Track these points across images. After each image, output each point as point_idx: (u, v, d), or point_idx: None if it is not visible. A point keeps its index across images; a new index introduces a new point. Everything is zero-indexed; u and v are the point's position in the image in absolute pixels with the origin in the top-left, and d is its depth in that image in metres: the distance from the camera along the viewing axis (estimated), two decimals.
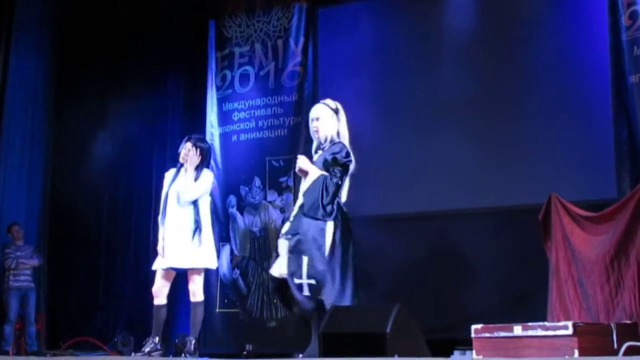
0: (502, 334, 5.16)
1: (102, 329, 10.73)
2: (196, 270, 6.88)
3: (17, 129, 11.09)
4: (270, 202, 9.89)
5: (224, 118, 10.36)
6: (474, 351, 5.29)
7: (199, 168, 6.99)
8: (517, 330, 5.08)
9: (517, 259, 8.17)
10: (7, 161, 10.97)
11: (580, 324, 4.97)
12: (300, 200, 6.08)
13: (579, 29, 8.56)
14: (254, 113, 10.18)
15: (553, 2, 8.78)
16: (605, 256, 6.53)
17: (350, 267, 5.87)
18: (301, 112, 9.86)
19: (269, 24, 10.30)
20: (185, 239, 6.77)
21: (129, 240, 11.11)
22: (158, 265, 6.90)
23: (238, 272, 9.91)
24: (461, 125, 8.81)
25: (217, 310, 9.97)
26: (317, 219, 5.82)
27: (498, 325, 5.24)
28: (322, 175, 5.94)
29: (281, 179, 9.86)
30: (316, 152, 6.22)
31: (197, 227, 6.79)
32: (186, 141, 7.10)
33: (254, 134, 10.14)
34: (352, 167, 6.10)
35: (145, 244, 10.86)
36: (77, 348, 10.15)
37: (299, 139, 9.82)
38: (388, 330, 4.38)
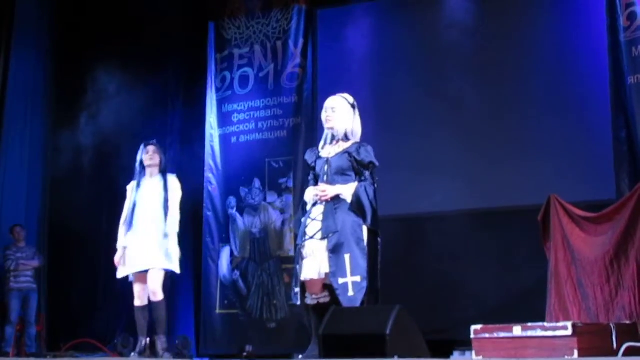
0: (502, 334, 5.17)
1: (102, 331, 10.73)
2: (157, 270, 7.00)
3: (17, 131, 11.08)
4: (270, 203, 9.90)
5: (224, 119, 10.37)
6: (473, 352, 5.30)
7: (163, 173, 7.15)
8: (517, 330, 5.09)
9: (516, 260, 8.18)
10: (7, 162, 10.96)
11: (579, 324, 4.98)
12: (311, 199, 5.86)
13: (577, 30, 8.57)
14: (254, 114, 10.19)
15: (552, 3, 8.79)
16: (605, 257, 6.54)
17: (377, 273, 5.73)
18: (300, 113, 9.88)
19: (268, 25, 10.31)
20: (151, 243, 6.96)
21: None
22: (122, 273, 7.21)
23: (238, 273, 9.92)
24: (460, 127, 8.82)
25: (217, 311, 9.98)
26: (358, 225, 5.64)
27: (497, 325, 5.25)
28: (359, 186, 5.70)
29: (281, 180, 9.87)
30: (325, 145, 5.98)
31: (165, 234, 6.98)
32: (147, 145, 7.20)
33: (254, 135, 10.15)
34: None
35: None
36: (78, 349, 10.16)
37: (299, 140, 9.83)
38: (388, 331, 4.39)
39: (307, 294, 5.75)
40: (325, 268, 5.59)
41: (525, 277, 8.05)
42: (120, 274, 7.21)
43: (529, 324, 5.08)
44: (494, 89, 8.84)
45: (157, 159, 7.16)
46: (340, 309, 5.29)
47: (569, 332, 4.83)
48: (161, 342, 6.97)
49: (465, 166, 8.68)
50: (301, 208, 6.06)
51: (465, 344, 6.25)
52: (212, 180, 10.26)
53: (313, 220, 5.75)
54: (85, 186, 10.98)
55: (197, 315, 10.21)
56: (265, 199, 9.95)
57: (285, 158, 9.88)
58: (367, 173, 5.78)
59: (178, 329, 10.16)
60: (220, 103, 10.43)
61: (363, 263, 5.54)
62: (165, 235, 6.94)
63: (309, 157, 6.07)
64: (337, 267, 5.53)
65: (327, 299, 5.71)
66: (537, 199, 7.36)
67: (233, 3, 10.60)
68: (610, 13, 8.19)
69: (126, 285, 10.88)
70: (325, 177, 5.82)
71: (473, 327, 5.35)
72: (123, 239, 7.17)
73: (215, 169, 10.26)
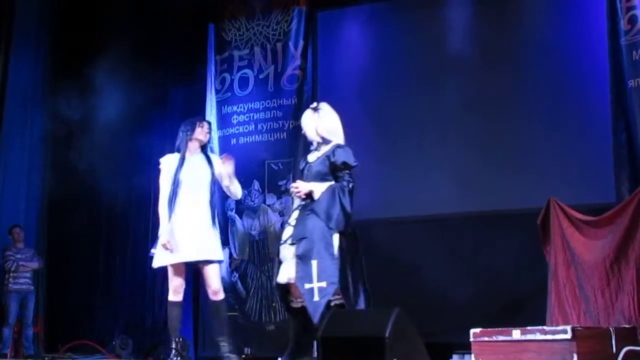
0: (501, 337, 5.16)
1: (101, 332, 10.73)
2: (215, 263, 6.48)
3: (16, 131, 11.08)
4: (269, 205, 9.89)
5: (223, 121, 10.36)
6: (472, 355, 5.29)
7: (204, 151, 6.73)
8: (516, 334, 5.09)
9: (516, 263, 8.17)
10: (7, 163, 10.95)
11: (579, 328, 4.97)
12: (296, 201, 5.95)
13: (578, 34, 8.57)
14: (253, 116, 10.18)
15: (552, 7, 8.78)
16: (605, 260, 6.53)
17: (363, 272, 5.76)
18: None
19: (268, 27, 10.30)
20: (202, 230, 6.39)
21: (127, 243, 11.11)
22: (165, 261, 6.41)
23: (237, 275, 9.90)
24: (460, 129, 8.81)
25: None
26: (329, 229, 5.67)
27: (497, 329, 5.24)
28: (330, 187, 5.76)
29: (280, 182, 9.86)
30: (312, 151, 6.07)
31: (214, 217, 6.47)
32: (201, 122, 6.79)
33: (253, 137, 10.14)
34: None
35: (144, 247, 10.86)
36: (76, 351, 10.15)
37: (298, 142, 9.80)
38: (387, 334, 4.37)
39: (292, 298, 5.83)
40: (293, 273, 5.67)
41: (525, 280, 8.04)
42: (159, 263, 6.46)
43: (528, 328, 5.07)
44: (494, 92, 8.83)
45: (208, 137, 6.76)
46: (340, 312, 5.28)
47: (569, 335, 4.83)
48: (227, 345, 6.51)
49: (465, 169, 8.67)
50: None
51: (465, 347, 6.23)
52: None
53: (288, 225, 5.87)
54: (83, 188, 10.96)
55: (196, 318, 10.19)
56: (264, 201, 9.94)
57: (285, 160, 9.87)
58: (343, 174, 5.80)
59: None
60: (220, 105, 10.43)
61: (331, 269, 5.57)
62: (214, 220, 6.45)
63: (300, 164, 6.21)
64: (304, 272, 5.59)
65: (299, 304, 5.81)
66: (537, 202, 7.35)
67: (233, 4, 10.58)
68: (611, 16, 8.19)
69: (125, 288, 10.95)
70: (306, 181, 5.89)
71: (472, 331, 5.34)
72: (168, 220, 6.37)
73: None
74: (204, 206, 6.46)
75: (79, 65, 10.86)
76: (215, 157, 6.77)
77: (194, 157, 6.63)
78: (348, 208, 5.73)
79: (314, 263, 5.58)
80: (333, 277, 5.55)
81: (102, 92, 10.42)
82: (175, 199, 6.40)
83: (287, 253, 5.75)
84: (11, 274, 10.15)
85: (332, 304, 5.65)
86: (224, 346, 6.47)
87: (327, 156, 5.84)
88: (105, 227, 11.33)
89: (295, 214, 5.85)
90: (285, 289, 5.83)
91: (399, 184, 9.01)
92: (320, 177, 5.83)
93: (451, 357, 7.47)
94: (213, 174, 6.60)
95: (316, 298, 5.53)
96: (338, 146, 5.88)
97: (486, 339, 5.22)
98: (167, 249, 6.30)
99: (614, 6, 8.13)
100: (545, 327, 5.12)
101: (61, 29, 11.55)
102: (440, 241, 8.70)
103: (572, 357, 4.77)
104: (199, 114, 10.48)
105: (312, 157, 5.99)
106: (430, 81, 9.20)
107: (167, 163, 6.64)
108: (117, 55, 10.35)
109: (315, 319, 5.52)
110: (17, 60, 11.06)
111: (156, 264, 6.51)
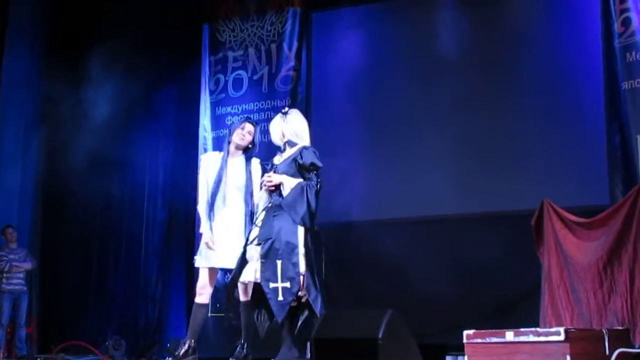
0: (494, 339, 5.16)
1: (94, 333, 10.71)
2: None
3: (10, 130, 11.07)
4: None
5: (217, 122, 10.35)
6: (466, 356, 5.29)
7: (247, 155, 6.60)
8: (509, 335, 5.08)
9: (509, 265, 8.17)
10: (0, 162, 10.94)
11: (572, 329, 4.97)
12: (262, 202, 6.00)
13: (572, 36, 8.58)
14: (247, 117, 10.16)
15: (546, 9, 8.79)
16: (598, 262, 6.53)
17: (322, 273, 5.87)
18: None
19: (262, 28, 10.29)
20: (238, 236, 6.30)
21: (121, 243, 11.10)
22: (206, 263, 6.42)
23: (229, 276, 9.88)
24: (454, 131, 8.81)
25: (210, 314, 9.92)
26: (310, 229, 5.77)
27: (490, 330, 5.24)
28: (300, 183, 5.85)
29: None
30: (279, 153, 6.15)
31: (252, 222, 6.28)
32: (243, 122, 6.62)
33: None
34: None
35: (138, 247, 10.86)
36: (69, 352, 10.13)
37: None
38: (380, 336, 4.37)
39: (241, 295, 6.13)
40: (258, 273, 5.80)
41: (519, 282, 8.04)
42: (205, 263, 6.43)
43: (522, 329, 5.07)
44: (488, 93, 8.84)
45: (248, 140, 6.56)
46: (333, 314, 5.28)
47: (562, 337, 4.83)
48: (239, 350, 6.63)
49: (459, 171, 8.68)
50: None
51: (458, 349, 6.23)
52: None
53: (255, 225, 5.95)
54: (77, 188, 10.95)
55: (189, 318, 10.16)
56: None
57: None
58: (311, 175, 5.90)
59: (170, 332, 10.14)
60: (214, 105, 10.42)
61: (295, 269, 5.70)
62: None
63: (267, 166, 6.27)
64: (269, 272, 5.73)
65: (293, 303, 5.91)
66: (531, 204, 7.35)
67: (228, 5, 10.58)
68: (605, 19, 8.21)
69: (118, 289, 10.94)
70: None
71: (465, 332, 5.34)
72: (206, 221, 6.38)
73: None
74: (239, 212, 6.40)
75: (72, 67, 10.85)
76: (255, 163, 6.61)
77: (234, 159, 6.55)
78: (314, 206, 5.81)
79: (279, 263, 5.71)
80: (297, 279, 5.70)
81: (96, 91, 10.41)
82: (213, 201, 6.39)
83: (254, 253, 5.84)
84: (4, 275, 10.13)
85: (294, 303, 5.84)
86: (237, 351, 6.68)
87: (294, 158, 5.92)
88: (99, 228, 11.31)
89: (262, 215, 5.92)
90: (242, 286, 6.07)
91: (392, 185, 9.01)
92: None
93: (444, 359, 7.47)
94: (249, 179, 6.48)
95: (280, 298, 5.73)
96: (305, 148, 5.97)
97: (479, 340, 5.22)
98: (209, 247, 6.34)
99: (608, 8, 8.15)
100: (538, 329, 5.12)
101: (55, 26, 11.55)
102: (434, 242, 8.71)
103: (565, 359, 4.77)
104: (193, 115, 10.51)
105: (277, 159, 6.10)
106: (424, 82, 9.20)
107: (205, 162, 6.65)
108: (111, 54, 10.35)
109: (280, 318, 5.84)
110: (10, 61, 11.06)
111: (198, 264, 6.51)
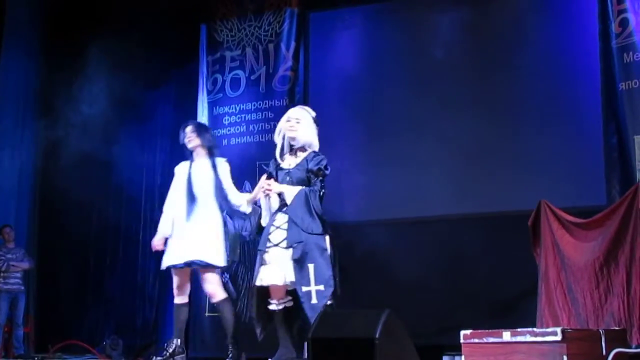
0: (491, 339, 5.17)
1: (91, 332, 10.71)
2: (213, 268, 6.63)
3: (7, 132, 11.06)
4: (260, 206, 9.86)
5: (215, 122, 10.34)
6: (463, 356, 5.29)
7: (211, 155, 6.75)
8: (506, 336, 5.09)
9: (506, 265, 8.17)
10: None
11: (569, 330, 4.98)
12: (274, 204, 5.99)
13: (569, 37, 8.58)
14: (245, 117, 10.17)
15: (543, 9, 8.79)
16: (594, 262, 6.54)
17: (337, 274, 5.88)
18: None
19: (260, 28, 10.29)
20: (204, 234, 6.53)
21: (118, 243, 11.10)
22: (175, 261, 6.57)
23: (228, 276, 9.88)
24: (451, 131, 8.81)
25: (206, 314, 9.94)
26: (319, 234, 5.76)
27: (487, 330, 5.25)
28: (302, 190, 5.85)
29: None
30: (284, 155, 6.08)
31: (223, 221, 6.68)
32: (184, 127, 6.82)
33: (245, 138, 10.12)
34: None
35: (135, 247, 10.85)
36: (66, 351, 10.13)
37: None
38: (377, 336, 4.37)
39: (271, 300, 5.92)
40: (290, 276, 5.74)
41: (516, 282, 8.04)
42: (164, 264, 6.67)
43: (519, 330, 5.08)
44: (486, 94, 8.84)
45: (194, 141, 6.72)
46: (330, 313, 5.29)
47: (559, 337, 4.83)
48: (231, 350, 6.70)
49: (456, 171, 8.68)
50: (258, 216, 6.23)
51: (455, 349, 6.23)
52: None
53: (277, 228, 5.88)
54: (74, 188, 10.95)
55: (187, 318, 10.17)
56: (256, 203, 9.91)
57: None
58: (316, 180, 5.90)
59: (167, 331, 10.12)
60: (212, 105, 10.41)
61: (327, 272, 5.69)
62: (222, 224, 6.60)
63: (271, 167, 6.18)
64: (301, 276, 5.68)
65: (291, 303, 5.92)
66: (528, 205, 7.35)
67: (225, 5, 10.57)
68: (602, 19, 8.21)
69: (115, 289, 10.93)
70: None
71: (462, 332, 5.34)
72: (164, 223, 6.69)
73: None
74: (205, 211, 6.58)
75: (69, 67, 10.85)
76: (220, 162, 6.77)
77: (199, 161, 6.73)
78: (320, 211, 5.82)
79: (311, 267, 5.67)
80: (330, 280, 5.68)
81: (92, 90, 10.40)
82: (183, 202, 6.58)
83: (279, 256, 5.78)
84: (1, 274, 10.14)
85: (286, 305, 5.87)
86: (230, 351, 6.65)
87: (305, 162, 5.94)
88: (96, 228, 11.31)
89: (284, 217, 5.88)
90: (265, 291, 5.91)
91: (390, 186, 9.01)
92: (301, 183, 5.91)
93: (441, 359, 7.47)
94: (217, 179, 6.64)
95: (314, 301, 5.64)
96: (316, 154, 5.98)
97: (476, 340, 5.23)
98: (157, 248, 6.57)
99: (605, 9, 8.15)
100: (535, 329, 5.12)
101: (52, 32, 11.54)
102: (431, 243, 8.70)
103: (562, 359, 4.78)
104: (190, 115, 10.50)
105: (289, 163, 6.04)
106: (421, 83, 9.20)
107: (177, 170, 6.86)
108: (108, 53, 10.35)
109: (312, 320, 5.52)
110: (7, 62, 11.05)
111: (166, 264, 6.66)
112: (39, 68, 11.48)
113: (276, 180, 6.03)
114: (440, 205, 8.70)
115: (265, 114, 10.04)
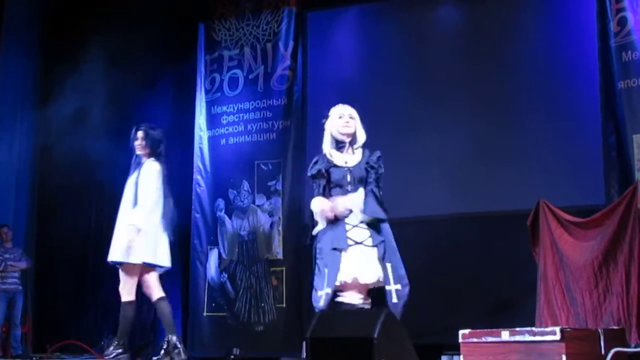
0: (490, 339, 5.16)
1: (89, 332, 10.69)
2: (154, 268, 6.87)
3: (6, 130, 11.05)
4: (258, 206, 9.87)
5: (213, 121, 10.34)
6: (461, 356, 5.29)
7: (148, 158, 6.94)
8: (505, 335, 5.08)
9: (505, 264, 8.17)
10: None
11: (567, 329, 4.97)
12: (356, 206, 5.78)
13: (568, 36, 8.58)
14: (243, 117, 10.16)
15: (542, 8, 8.79)
16: (593, 262, 6.54)
17: None
18: (290, 116, 9.86)
19: (258, 27, 10.28)
20: (148, 234, 6.71)
21: None
22: (117, 259, 6.82)
23: (226, 275, 9.88)
24: (449, 130, 8.80)
25: (205, 314, 9.94)
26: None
27: (486, 330, 5.24)
28: (370, 191, 5.81)
29: (270, 183, 9.84)
30: (335, 152, 5.93)
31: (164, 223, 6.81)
32: (136, 130, 7.03)
33: (243, 137, 10.12)
34: None
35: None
36: (64, 351, 10.12)
37: (288, 142, 9.81)
38: (375, 335, 4.36)
39: (349, 296, 5.70)
40: (378, 275, 5.63)
41: (514, 281, 8.04)
42: (115, 259, 6.90)
43: (517, 329, 5.07)
44: (484, 93, 8.83)
45: (142, 145, 7.00)
46: (329, 313, 5.27)
47: (557, 337, 4.82)
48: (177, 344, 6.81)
49: (454, 170, 8.67)
50: (313, 225, 5.96)
51: (453, 349, 6.23)
52: (200, 182, 10.22)
53: (355, 226, 5.73)
54: (72, 188, 10.94)
55: (185, 318, 10.17)
56: (253, 202, 9.92)
57: (274, 160, 9.85)
58: (375, 176, 5.88)
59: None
60: (210, 105, 10.41)
61: (401, 271, 5.68)
62: (138, 230, 6.68)
63: (320, 165, 5.92)
64: (384, 274, 5.63)
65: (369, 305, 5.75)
66: (527, 204, 7.35)
67: (223, 4, 10.57)
68: (601, 18, 8.20)
69: (113, 289, 10.89)
70: (348, 187, 5.80)
71: (461, 332, 5.34)
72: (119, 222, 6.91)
73: (204, 171, 10.22)
74: (153, 213, 6.78)
75: (67, 67, 10.83)
76: (148, 164, 6.96)
77: (144, 163, 6.95)
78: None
79: (389, 266, 5.65)
80: (405, 279, 5.68)
81: (91, 92, 10.38)
82: (127, 203, 6.82)
83: (365, 253, 5.66)
84: None
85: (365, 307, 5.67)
86: (171, 343, 6.76)
87: (367, 162, 5.87)
88: (94, 228, 11.29)
89: (356, 216, 5.74)
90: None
91: (388, 185, 8.98)
92: (361, 181, 5.83)
93: (440, 358, 7.47)
94: (161, 181, 6.86)
95: (395, 300, 5.59)
96: (378, 153, 5.94)
97: (475, 340, 5.22)
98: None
99: (604, 8, 8.15)
100: (534, 328, 5.11)
101: (50, 31, 11.52)
102: (430, 242, 8.68)
103: (561, 358, 4.77)
104: (188, 114, 10.50)
105: (345, 160, 5.90)
106: (420, 82, 9.20)
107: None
108: (106, 53, 10.33)
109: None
110: (5, 62, 11.03)
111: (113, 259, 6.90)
112: (37, 67, 11.46)
113: (329, 177, 5.87)
114: (439, 205, 8.70)
115: (263, 113, 10.04)
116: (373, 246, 5.68)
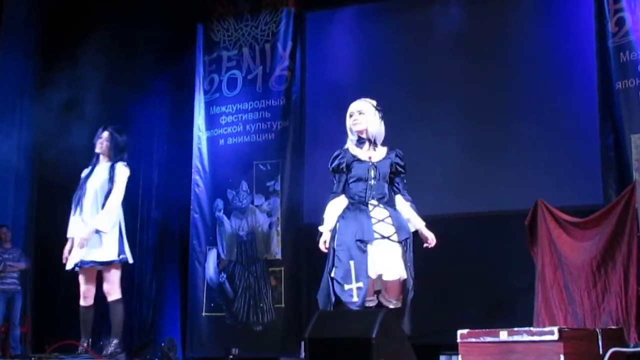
0: (488, 338, 5.17)
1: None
2: (113, 265, 7.07)
3: (4, 131, 11.04)
4: (257, 206, 9.87)
5: (212, 122, 10.34)
6: (460, 356, 5.29)
7: (112, 161, 7.05)
8: (503, 335, 5.09)
9: (503, 264, 8.17)
10: None
11: (565, 329, 4.98)
12: (374, 196, 5.80)
13: (566, 36, 8.58)
14: (242, 117, 10.16)
15: (540, 9, 8.79)
16: (591, 262, 6.56)
17: None
18: (289, 116, 9.86)
19: (257, 28, 10.29)
20: (103, 234, 6.89)
21: None
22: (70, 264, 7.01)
23: (225, 276, 9.88)
24: (448, 131, 8.80)
25: (203, 314, 9.94)
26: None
27: (484, 330, 5.25)
28: (407, 200, 5.99)
29: (268, 183, 9.84)
30: (357, 148, 5.93)
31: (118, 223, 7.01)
32: (103, 130, 7.10)
33: (242, 138, 10.12)
34: None
35: (132, 247, 10.79)
36: (63, 351, 10.10)
37: (287, 143, 9.81)
38: (374, 335, 4.37)
39: (387, 296, 5.75)
40: (400, 273, 5.67)
41: (512, 281, 8.04)
42: (73, 264, 7.12)
43: (515, 329, 5.08)
44: (483, 93, 8.84)
45: (105, 146, 7.11)
46: (328, 312, 5.28)
47: (555, 336, 4.83)
48: (111, 346, 7.18)
49: (453, 170, 8.67)
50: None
51: (452, 348, 6.23)
52: (199, 182, 10.22)
53: (380, 221, 5.71)
54: (71, 189, 10.92)
55: (184, 318, 10.17)
56: (252, 202, 9.92)
57: (273, 161, 9.85)
58: (398, 180, 5.98)
59: (164, 331, 10.13)
60: (208, 105, 10.41)
61: (412, 271, 5.77)
62: (97, 232, 6.83)
63: (342, 159, 5.91)
64: (407, 273, 5.71)
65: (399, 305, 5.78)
66: (525, 204, 7.36)
67: (222, 5, 10.57)
68: (599, 19, 8.21)
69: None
70: (372, 182, 5.81)
71: (459, 332, 5.35)
72: (77, 226, 7.11)
73: (203, 171, 10.22)
74: (112, 217, 7.05)
75: (66, 67, 10.82)
76: (120, 168, 7.15)
77: (101, 165, 7.19)
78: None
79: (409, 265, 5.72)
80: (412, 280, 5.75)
81: (89, 90, 10.38)
82: (81, 209, 7.15)
83: (392, 248, 5.67)
84: None
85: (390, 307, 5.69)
86: (114, 346, 7.16)
87: (391, 160, 5.90)
88: None
89: (382, 211, 5.75)
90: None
91: None
92: (385, 180, 5.86)
93: (438, 358, 7.47)
94: (111, 183, 7.06)
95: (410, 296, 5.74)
96: (397, 151, 6.00)
97: (473, 339, 5.23)
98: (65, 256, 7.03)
99: (602, 8, 8.16)
100: (532, 328, 5.13)
101: (49, 31, 11.51)
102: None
103: (559, 358, 4.78)
104: (187, 115, 10.49)
105: (369, 156, 5.90)
106: (418, 83, 9.20)
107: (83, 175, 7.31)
108: (104, 53, 10.32)
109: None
110: (4, 62, 11.02)
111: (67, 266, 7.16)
112: (36, 69, 11.45)
113: (346, 172, 5.84)
114: (438, 205, 8.68)
115: (262, 114, 10.04)
116: (399, 242, 5.69)
